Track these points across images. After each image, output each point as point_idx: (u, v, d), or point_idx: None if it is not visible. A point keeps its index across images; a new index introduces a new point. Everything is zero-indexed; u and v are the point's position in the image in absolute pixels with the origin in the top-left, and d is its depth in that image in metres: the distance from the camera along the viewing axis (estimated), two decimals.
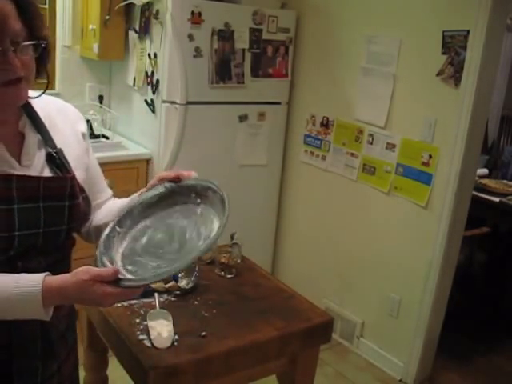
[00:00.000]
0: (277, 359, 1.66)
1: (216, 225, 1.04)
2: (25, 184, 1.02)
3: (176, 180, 1.17)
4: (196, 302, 1.71)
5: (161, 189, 1.16)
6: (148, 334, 1.48)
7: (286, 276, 3.43)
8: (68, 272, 1.01)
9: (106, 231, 1.10)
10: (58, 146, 1.12)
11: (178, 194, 1.15)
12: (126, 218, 1.14)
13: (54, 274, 1.00)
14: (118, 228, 1.11)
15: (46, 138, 1.11)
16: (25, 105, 1.07)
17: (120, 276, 0.98)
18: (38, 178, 1.05)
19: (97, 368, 1.92)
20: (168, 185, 1.16)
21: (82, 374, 1.92)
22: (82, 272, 0.97)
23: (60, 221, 1.08)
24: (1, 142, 1.02)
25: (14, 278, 0.97)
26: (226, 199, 1.07)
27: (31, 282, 0.96)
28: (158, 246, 1.08)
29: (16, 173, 1.02)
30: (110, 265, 1.02)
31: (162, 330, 1.47)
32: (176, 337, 1.49)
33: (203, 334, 1.53)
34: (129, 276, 1.01)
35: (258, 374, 1.68)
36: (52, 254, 1.10)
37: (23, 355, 1.07)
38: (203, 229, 1.07)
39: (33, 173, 1.05)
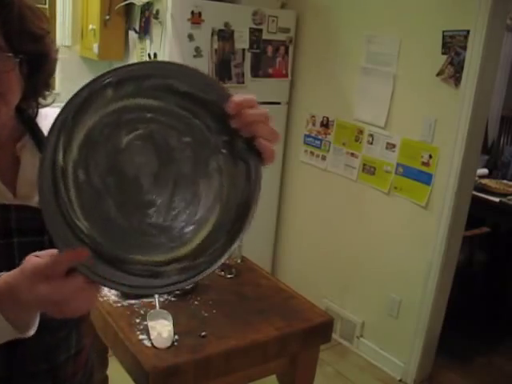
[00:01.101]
0: (277, 359, 1.66)
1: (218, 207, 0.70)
2: (25, 215, 0.83)
3: None
4: (196, 302, 1.71)
5: (109, 78, 0.68)
6: (148, 333, 1.49)
7: (286, 276, 3.43)
8: None
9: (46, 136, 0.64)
10: None
11: (152, 88, 0.67)
12: (65, 123, 0.64)
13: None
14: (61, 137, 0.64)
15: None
16: (28, 123, 0.90)
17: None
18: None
19: (97, 368, 1.92)
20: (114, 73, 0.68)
21: None
22: (31, 262, 0.65)
23: None
24: None
25: None
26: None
27: None
28: (132, 178, 0.67)
29: (14, 203, 0.85)
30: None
31: (162, 329, 1.47)
32: (176, 337, 1.49)
33: (203, 334, 1.53)
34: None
35: (258, 374, 1.68)
36: None
37: None
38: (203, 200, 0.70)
39: (33, 203, 0.84)
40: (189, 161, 0.68)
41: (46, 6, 3.15)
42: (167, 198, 0.68)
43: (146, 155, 0.66)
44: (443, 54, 2.53)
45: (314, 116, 3.26)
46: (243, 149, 0.68)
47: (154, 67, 0.66)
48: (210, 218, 0.70)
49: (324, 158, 3.21)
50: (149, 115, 0.66)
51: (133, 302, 1.67)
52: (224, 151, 0.69)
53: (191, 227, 0.69)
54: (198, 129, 0.68)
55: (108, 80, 0.64)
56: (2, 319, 0.67)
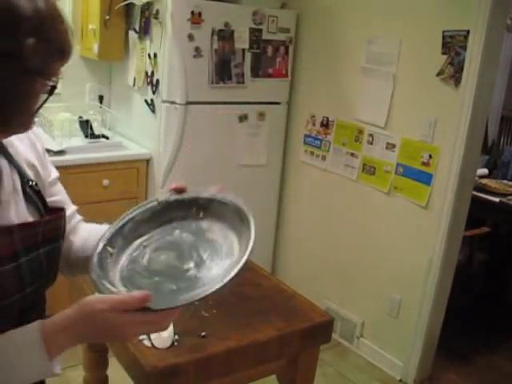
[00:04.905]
0: (277, 359, 1.66)
1: (234, 239, 0.93)
2: (26, 232, 0.87)
3: (178, 191, 1.01)
4: (196, 302, 1.71)
5: (153, 203, 1.00)
6: (148, 333, 1.49)
7: (286, 276, 3.43)
8: (43, 313, 0.87)
9: (97, 252, 0.93)
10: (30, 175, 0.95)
11: (174, 208, 1.00)
12: (117, 237, 0.97)
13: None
14: (109, 248, 0.95)
15: (18, 169, 0.92)
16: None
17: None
18: (38, 223, 0.90)
19: (97, 368, 1.92)
20: (161, 199, 1.00)
21: (82, 373, 1.93)
22: (93, 303, 0.79)
23: (57, 264, 0.95)
24: None
25: (5, 336, 0.80)
26: (242, 207, 0.95)
27: (27, 332, 0.79)
28: (166, 267, 0.93)
29: (16, 222, 0.87)
30: (112, 288, 0.86)
31: None
32: (176, 337, 1.49)
33: (203, 334, 1.53)
34: None
35: (258, 374, 1.68)
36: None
37: None
38: (221, 245, 0.93)
39: (13, 213, 0.89)
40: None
41: None
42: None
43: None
44: (443, 54, 2.53)
45: (314, 116, 3.26)
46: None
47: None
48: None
49: (324, 157, 3.21)
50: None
51: None
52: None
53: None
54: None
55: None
56: (47, 361, 0.78)
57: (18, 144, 0.95)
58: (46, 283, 0.94)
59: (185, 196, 1.00)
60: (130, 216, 0.99)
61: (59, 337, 0.79)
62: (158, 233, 0.99)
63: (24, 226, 0.88)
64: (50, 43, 0.80)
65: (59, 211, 0.96)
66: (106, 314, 0.78)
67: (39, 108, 0.84)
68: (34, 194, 0.94)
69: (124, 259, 0.95)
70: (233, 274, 0.83)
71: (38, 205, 0.94)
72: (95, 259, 0.91)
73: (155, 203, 1.00)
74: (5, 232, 0.84)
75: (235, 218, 0.95)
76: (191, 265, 0.91)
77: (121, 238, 0.97)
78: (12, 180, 0.91)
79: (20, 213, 0.90)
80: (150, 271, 0.91)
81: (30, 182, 0.94)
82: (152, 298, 0.79)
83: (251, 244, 0.88)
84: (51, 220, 0.93)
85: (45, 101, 0.85)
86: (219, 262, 0.90)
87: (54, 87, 0.83)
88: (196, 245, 0.94)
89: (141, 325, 0.80)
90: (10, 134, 0.88)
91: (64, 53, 0.84)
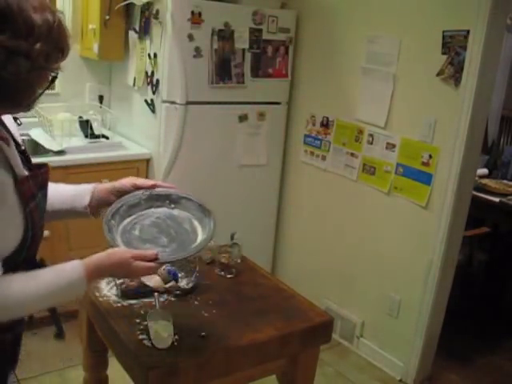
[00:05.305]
0: (277, 359, 1.66)
1: (196, 223, 1.40)
2: (35, 180, 1.17)
3: (152, 188, 1.43)
4: (196, 302, 1.71)
5: (140, 194, 1.43)
6: (148, 334, 1.48)
7: (285, 276, 3.43)
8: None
9: (105, 222, 1.33)
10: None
11: (153, 199, 1.44)
12: (116, 214, 1.38)
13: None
14: (112, 221, 1.35)
15: (13, 137, 1.19)
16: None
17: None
18: (40, 173, 1.20)
19: (97, 368, 1.92)
20: (147, 191, 1.43)
21: (82, 373, 1.93)
22: (120, 251, 1.23)
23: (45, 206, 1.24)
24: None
25: (54, 271, 1.16)
26: (203, 204, 1.42)
27: (72, 270, 1.16)
28: (153, 236, 1.36)
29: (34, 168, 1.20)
30: (123, 246, 1.28)
31: (162, 330, 1.47)
32: (176, 337, 1.49)
33: (203, 334, 1.53)
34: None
35: (258, 374, 1.68)
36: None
37: None
38: (187, 226, 1.40)
39: (21, 168, 1.17)
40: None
41: None
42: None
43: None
44: (443, 54, 2.53)
45: (314, 116, 3.26)
46: None
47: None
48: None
49: (324, 157, 3.21)
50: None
51: (133, 301, 1.67)
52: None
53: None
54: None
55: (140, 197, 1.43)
56: (85, 287, 1.17)
57: (6, 121, 1.20)
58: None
59: (161, 192, 1.44)
60: (124, 201, 1.41)
61: (93, 269, 1.17)
62: (143, 214, 1.42)
63: (33, 176, 1.17)
64: (54, 46, 1.04)
65: (46, 166, 1.23)
66: (128, 259, 1.20)
67: (42, 93, 1.10)
68: (23, 155, 1.21)
69: (121, 229, 1.36)
70: (203, 244, 1.32)
71: (27, 163, 1.21)
72: (106, 227, 1.32)
73: (141, 194, 1.42)
74: (26, 179, 1.14)
75: (198, 210, 1.42)
76: (170, 237, 1.36)
77: (118, 215, 1.38)
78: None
79: (21, 168, 1.16)
80: (142, 239, 1.35)
81: (22, 147, 1.21)
82: (158, 254, 1.24)
83: (213, 226, 1.35)
84: (44, 172, 1.23)
85: (47, 87, 1.11)
86: (187, 238, 1.36)
87: (55, 77, 1.11)
88: (170, 224, 1.40)
89: (147, 269, 1.22)
90: (18, 112, 1.16)
91: (64, 53, 1.09)
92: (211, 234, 1.33)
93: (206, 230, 1.35)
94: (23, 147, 1.22)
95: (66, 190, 1.41)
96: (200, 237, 1.35)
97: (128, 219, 1.39)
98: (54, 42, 1.03)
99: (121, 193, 1.42)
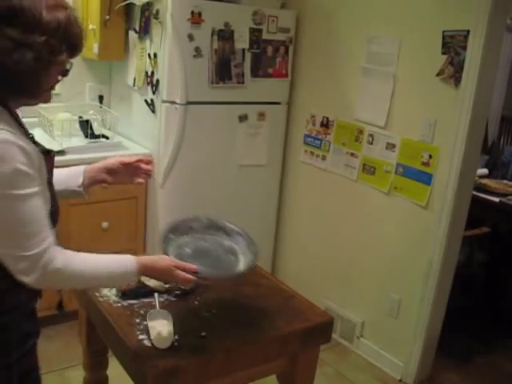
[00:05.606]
0: (277, 359, 1.66)
1: (241, 257, 1.61)
2: (49, 164, 1.30)
3: (137, 162, 1.59)
4: (196, 302, 1.71)
5: (205, 221, 1.69)
6: (148, 333, 1.49)
7: (286, 276, 3.43)
8: None
9: (164, 234, 1.55)
10: None
11: (213, 227, 1.68)
12: (176, 230, 1.60)
13: None
14: (171, 235, 1.56)
15: (25, 127, 1.31)
16: None
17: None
18: (52, 157, 1.34)
19: (97, 368, 1.92)
20: (208, 219, 1.70)
21: (82, 373, 1.93)
22: (169, 259, 1.40)
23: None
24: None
25: (112, 258, 1.33)
26: (252, 242, 1.63)
27: (128, 262, 1.33)
28: (201, 257, 1.54)
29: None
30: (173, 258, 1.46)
31: (162, 330, 1.47)
32: (176, 337, 1.49)
33: (203, 334, 1.53)
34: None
35: (258, 374, 1.68)
36: None
37: None
38: (233, 257, 1.61)
39: None
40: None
41: None
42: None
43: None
44: (443, 53, 2.53)
45: (314, 116, 3.26)
46: None
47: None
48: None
49: (324, 157, 3.21)
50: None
51: (133, 301, 1.67)
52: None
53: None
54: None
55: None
56: (133, 278, 1.39)
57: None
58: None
59: (219, 223, 1.70)
60: (187, 221, 1.65)
61: (144, 266, 1.34)
62: (199, 237, 1.65)
63: (47, 160, 1.28)
64: (60, 41, 1.14)
65: (52, 152, 1.34)
66: (171, 267, 1.37)
67: (54, 85, 1.23)
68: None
69: (176, 244, 1.56)
70: (237, 274, 1.53)
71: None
72: (163, 237, 1.52)
73: (204, 219, 1.69)
74: (49, 158, 1.29)
75: (246, 246, 1.63)
76: (212, 260, 1.57)
77: (178, 231, 1.60)
78: None
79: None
80: (192, 257, 1.52)
81: (31, 135, 1.29)
82: (197, 269, 1.41)
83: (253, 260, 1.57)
84: (52, 156, 1.34)
85: (58, 81, 1.24)
86: (229, 266, 1.57)
87: (67, 70, 1.24)
88: (219, 252, 1.62)
89: (184, 279, 1.39)
90: (36, 104, 1.27)
91: (75, 49, 1.21)
92: (248, 270, 1.52)
93: (246, 265, 1.55)
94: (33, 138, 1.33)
95: (61, 172, 1.52)
96: (239, 268, 1.54)
97: (186, 238, 1.61)
98: (60, 38, 1.14)
99: (109, 170, 1.56)
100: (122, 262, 1.33)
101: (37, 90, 1.18)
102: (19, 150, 1.13)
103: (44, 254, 1.17)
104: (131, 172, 1.59)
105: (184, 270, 1.38)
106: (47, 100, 1.25)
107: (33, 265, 1.16)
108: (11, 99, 1.20)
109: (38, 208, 1.18)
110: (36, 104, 1.27)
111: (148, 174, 1.61)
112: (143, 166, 1.59)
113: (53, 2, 1.15)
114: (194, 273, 1.39)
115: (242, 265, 1.56)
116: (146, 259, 1.37)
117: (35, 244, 1.16)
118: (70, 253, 1.24)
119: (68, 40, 1.17)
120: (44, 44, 1.12)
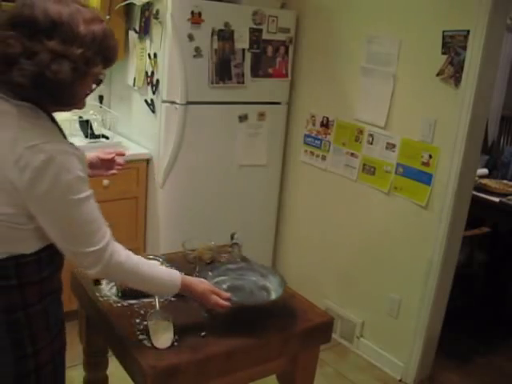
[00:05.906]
0: (277, 359, 1.66)
1: (272, 294, 1.73)
2: None
3: (119, 155, 1.73)
4: (196, 302, 1.71)
5: (243, 263, 1.92)
6: (148, 334, 1.49)
7: (286, 276, 3.40)
8: None
9: (205, 270, 1.78)
10: None
11: (250, 270, 1.86)
12: (214, 270, 1.81)
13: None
14: (210, 273, 1.76)
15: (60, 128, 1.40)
16: None
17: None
18: None
19: (97, 368, 1.92)
20: (245, 263, 1.93)
21: (82, 373, 1.93)
22: (207, 284, 1.57)
23: None
24: None
25: (163, 269, 1.54)
26: (283, 282, 1.78)
27: (175, 277, 1.48)
28: (235, 291, 1.72)
29: None
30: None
31: (162, 330, 1.47)
32: (176, 337, 1.49)
33: (203, 334, 1.53)
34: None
35: (258, 374, 1.68)
36: None
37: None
38: (264, 294, 1.75)
39: None
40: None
41: None
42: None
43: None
44: (443, 53, 2.53)
45: (313, 116, 3.26)
46: None
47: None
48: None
49: (324, 157, 3.21)
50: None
51: (133, 302, 1.67)
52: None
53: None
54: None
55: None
56: (174, 292, 1.51)
57: None
58: None
59: (255, 266, 1.89)
60: (227, 267, 1.86)
61: (185, 285, 1.49)
62: (235, 278, 1.83)
63: None
64: (95, 53, 1.23)
65: None
66: (208, 291, 1.53)
67: (88, 94, 1.31)
68: None
69: (213, 282, 1.71)
70: (265, 305, 1.71)
71: None
72: (203, 274, 1.72)
73: (243, 264, 1.91)
74: None
75: (278, 285, 1.77)
76: (246, 294, 1.76)
77: (216, 270, 1.81)
78: None
79: None
80: (229, 291, 1.66)
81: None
82: (231, 296, 1.58)
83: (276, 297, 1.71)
84: None
85: (95, 88, 1.32)
86: (261, 298, 1.75)
87: (101, 80, 1.32)
88: (253, 290, 1.78)
89: (217, 303, 1.53)
90: (68, 110, 1.34)
91: (110, 61, 1.30)
92: (278, 299, 1.68)
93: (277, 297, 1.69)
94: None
95: None
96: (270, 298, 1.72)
97: (222, 277, 1.80)
98: (96, 50, 1.23)
99: (89, 164, 1.60)
100: (172, 274, 1.48)
101: (72, 98, 1.26)
102: (76, 159, 1.24)
103: (107, 248, 1.31)
104: (107, 165, 1.73)
105: (219, 295, 1.52)
106: (81, 107, 1.33)
107: (98, 258, 1.30)
108: (48, 106, 1.28)
109: (95, 206, 1.30)
110: (70, 110, 1.36)
111: (121, 165, 1.75)
112: (117, 158, 1.73)
113: (89, 16, 1.23)
114: (228, 299, 1.53)
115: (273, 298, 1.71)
116: (189, 278, 1.52)
117: (99, 240, 1.29)
118: (127, 250, 1.39)
119: (103, 52, 1.25)
120: (81, 56, 1.19)
